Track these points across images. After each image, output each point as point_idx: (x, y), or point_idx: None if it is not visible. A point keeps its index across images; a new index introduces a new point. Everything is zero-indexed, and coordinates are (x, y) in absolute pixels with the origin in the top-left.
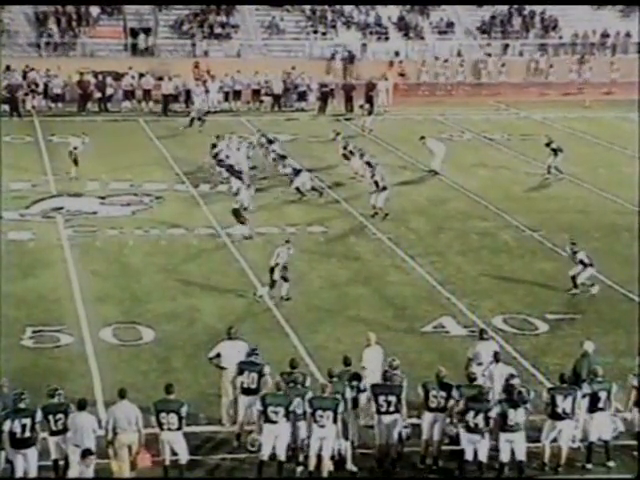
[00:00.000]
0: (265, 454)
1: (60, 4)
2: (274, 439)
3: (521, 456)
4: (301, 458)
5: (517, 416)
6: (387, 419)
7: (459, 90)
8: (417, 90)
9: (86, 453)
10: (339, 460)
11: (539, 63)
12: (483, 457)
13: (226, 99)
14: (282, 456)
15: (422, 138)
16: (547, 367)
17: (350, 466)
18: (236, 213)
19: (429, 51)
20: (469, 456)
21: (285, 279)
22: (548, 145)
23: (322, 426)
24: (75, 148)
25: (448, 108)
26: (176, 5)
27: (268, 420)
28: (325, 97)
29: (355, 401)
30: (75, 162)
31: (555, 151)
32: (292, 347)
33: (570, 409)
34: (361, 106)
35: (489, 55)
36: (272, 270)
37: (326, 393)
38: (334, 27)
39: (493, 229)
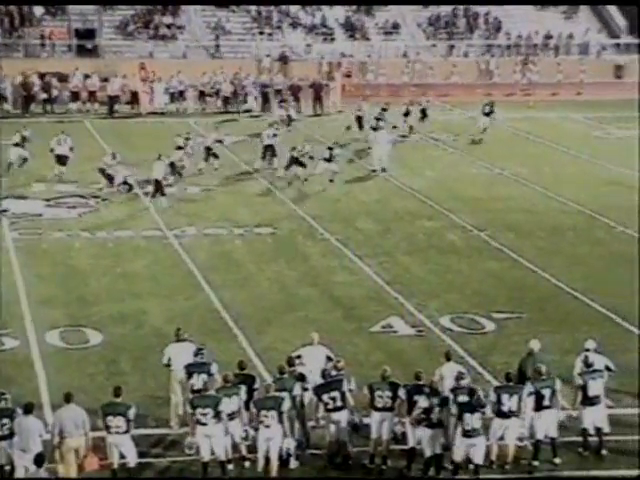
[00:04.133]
0: (205, 456)
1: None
2: (208, 440)
3: (478, 460)
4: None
5: (474, 421)
6: (335, 416)
7: (405, 91)
8: (363, 91)
9: (40, 460)
10: (286, 459)
11: (490, 63)
12: (479, 460)
13: (172, 100)
14: (221, 456)
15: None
16: (494, 366)
17: (293, 463)
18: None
19: (375, 52)
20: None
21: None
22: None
23: (267, 426)
24: (51, 150)
25: (395, 109)
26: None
27: (198, 422)
28: (267, 97)
29: (301, 401)
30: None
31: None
32: (240, 349)
33: (516, 407)
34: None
35: (442, 56)
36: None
37: (270, 393)
38: (280, 28)
39: (440, 229)
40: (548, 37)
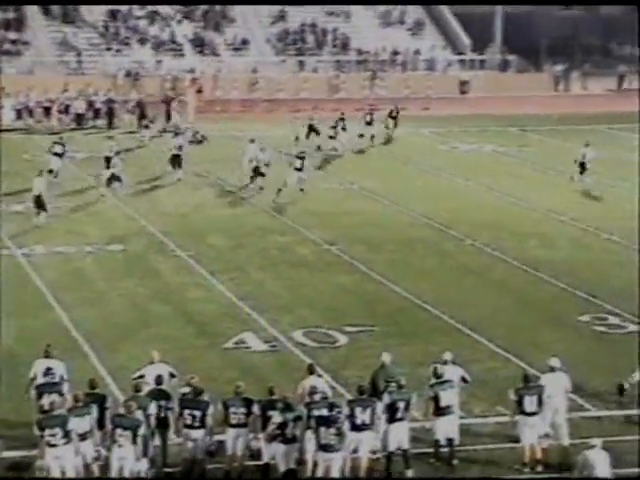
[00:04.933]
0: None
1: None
2: (58, 462)
3: (334, 474)
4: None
5: (330, 435)
6: (194, 434)
7: (256, 106)
8: (213, 107)
9: None
10: None
11: (339, 79)
12: (335, 473)
13: (19, 117)
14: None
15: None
16: (347, 379)
17: None
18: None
19: (224, 68)
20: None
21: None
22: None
23: (121, 446)
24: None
25: (245, 124)
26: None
27: (48, 444)
28: (112, 113)
29: (165, 420)
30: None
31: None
32: (92, 367)
33: (369, 420)
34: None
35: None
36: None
37: (132, 413)
38: (127, 44)
39: (292, 244)
40: (395, 53)
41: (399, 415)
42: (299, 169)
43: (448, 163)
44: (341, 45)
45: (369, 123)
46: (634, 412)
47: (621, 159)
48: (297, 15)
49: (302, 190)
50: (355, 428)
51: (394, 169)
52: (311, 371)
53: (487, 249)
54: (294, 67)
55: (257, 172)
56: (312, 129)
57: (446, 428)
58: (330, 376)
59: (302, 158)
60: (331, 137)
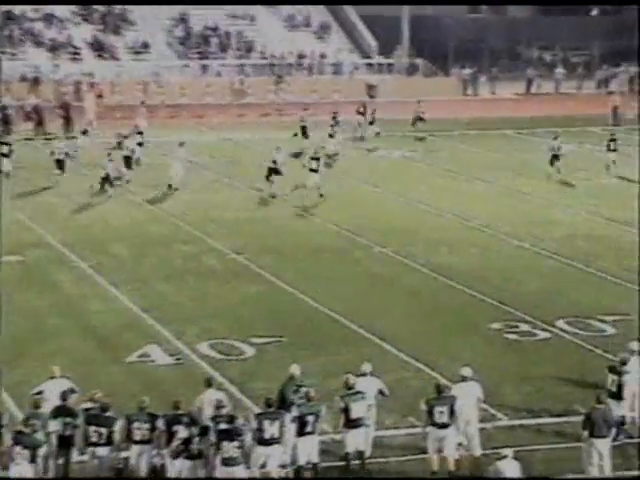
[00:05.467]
0: None
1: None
2: None
3: None
4: None
5: (232, 449)
6: (99, 451)
7: (159, 112)
8: (113, 112)
9: None
10: None
11: (243, 83)
12: None
13: None
14: None
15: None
16: (255, 392)
17: None
18: None
19: (125, 72)
20: None
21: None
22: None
23: (18, 464)
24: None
25: (148, 130)
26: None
27: None
28: (7, 120)
29: (69, 437)
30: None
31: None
32: None
33: (278, 434)
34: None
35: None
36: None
37: (33, 431)
38: (22, 47)
39: (197, 253)
40: (301, 56)
41: (308, 428)
42: (315, 170)
43: (357, 169)
44: (245, 49)
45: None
46: (546, 421)
47: (530, 164)
48: (199, 18)
49: (322, 196)
50: (263, 442)
51: (302, 176)
52: (209, 384)
53: (397, 256)
54: (197, 71)
55: (273, 172)
56: (304, 131)
57: (357, 440)
58: (237, 389)
59: (317, 159)
60: (330, 136)
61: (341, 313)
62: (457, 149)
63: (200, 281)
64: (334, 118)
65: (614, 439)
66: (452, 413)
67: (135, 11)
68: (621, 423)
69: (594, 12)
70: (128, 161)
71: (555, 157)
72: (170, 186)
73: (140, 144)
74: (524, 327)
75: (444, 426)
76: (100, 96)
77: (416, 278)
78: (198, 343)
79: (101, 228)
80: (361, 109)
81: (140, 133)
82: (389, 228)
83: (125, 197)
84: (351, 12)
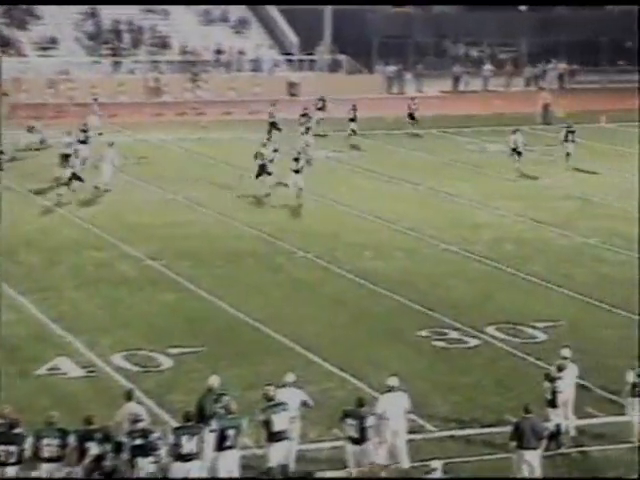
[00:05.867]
0: None
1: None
2: None
3: None
4: None
5: (147, 465)
6: (9, 471)
7: (69, 111)
8: (17, 111)
9: None
10: None
11: (158, 81)
12: None
13: None
14: None
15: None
16: (172, 405)
17: None
18: None
19: (31, 69)
20: None
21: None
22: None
23: None
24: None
25: (59, 130)
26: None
27: None
28: None
29: None
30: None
31: None
32: None
33: (197, 449)
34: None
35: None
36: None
37: None
38: None
39: (110, 260)
40: (219, 52)
41: (228, 442)
42: (296, 171)
43: (278, 170)
44: (160, 44)
45: None
46: (476, 431)
47: (456, 165)
48: (110, 12)
49: (299, 198)
50: (181, 458)
51: (219, 178)
52: (129, 397)
53: (320, 261)
54: (108, 68)
55: (263, 170)
56: (274, 126)
57: (280, 454)
58: (154, 402)
59: (297, 159)
60: (304, 132)
61: (262, 321)
62: (382, 149)
63: (113, 289)
64: (305, 115)
65: (551, 448)
66: (362, 430)
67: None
68: (558, 432)
69: (522, 7)
70: (66, 159)
71: (515, 151)
72: (97, 187)
73: (84, 142)
74: (453, 334)
75: (357, 441)
76: (5, 94)
77: (340, 284)
78: (112, 354)
79: (8, 233)
80: (319, 105)
81: (84, 131)
82: (312, 232)
83: (33, 200)
84: (271, 6)
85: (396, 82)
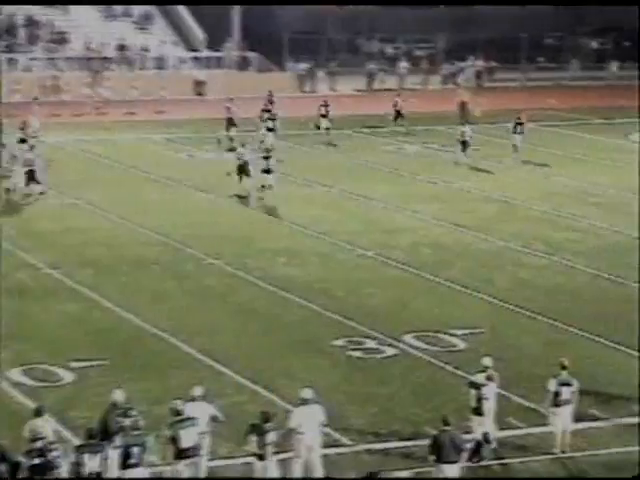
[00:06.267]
0: None
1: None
2: None
3: None
4: None
5: None
6: None
7: None
8: None
9: None
10: None
11: (56, 79)
12: None
13: None
14: None
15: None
16: (74, 421)
17: None
18: None
19: None
20: None
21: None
22: None
23: None
24: None
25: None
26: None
27: None
28: None
29: None
30: None
31: None
32: None
33: (100, 467)
34: None
35: None
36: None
37: None
38: None
39: (7, 268)
40: (121, 49)
41: (133, 460)
42: (267, 170)
43: (184, 173)
44: (58, 41)
45: None
46: (394, 445)
47: (372, 166)
48: (4, 6)
49: (262, 199)
50: (83, 478)
51: (123, 181)
52: (36, 414)
53: (230, 268)
54: (3, 65)
55: (242, 171)
56: (231, 122)
57: (189, 472)
58: (55, 418)
59: (267, 158)
60: (269, 130)
61: (169, 332)
62: (293, 150)
63: (10, 300)
64: (269, 111)
65: (473, 461)
66: (265, 446)
67: None
68: (485, 440)
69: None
70: None
71: (463, 144)
72: (8, 190)
73: (23, 141)
74: (369, 343)
75: (260, 457)
76: None
77: (252, 292)
78: (9, 369)
79: None
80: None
81: (22, 129)
82: (221, 238)
83: None
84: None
85: (308, 80)
